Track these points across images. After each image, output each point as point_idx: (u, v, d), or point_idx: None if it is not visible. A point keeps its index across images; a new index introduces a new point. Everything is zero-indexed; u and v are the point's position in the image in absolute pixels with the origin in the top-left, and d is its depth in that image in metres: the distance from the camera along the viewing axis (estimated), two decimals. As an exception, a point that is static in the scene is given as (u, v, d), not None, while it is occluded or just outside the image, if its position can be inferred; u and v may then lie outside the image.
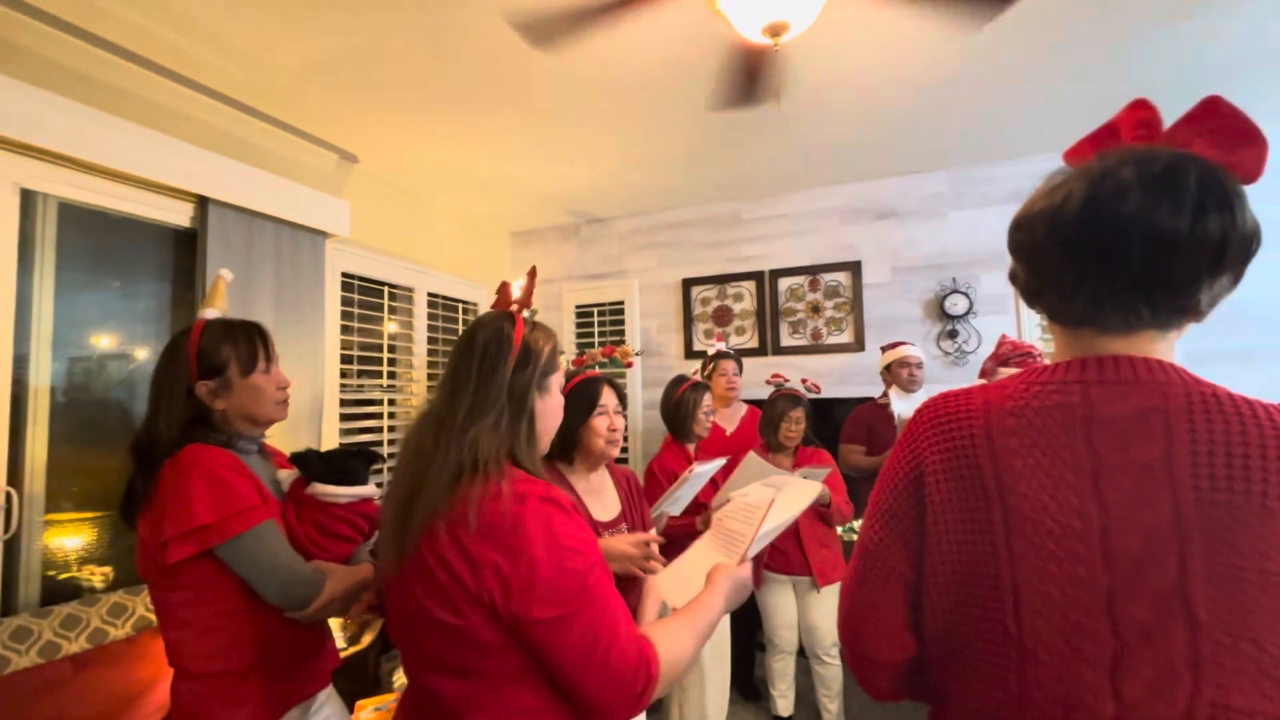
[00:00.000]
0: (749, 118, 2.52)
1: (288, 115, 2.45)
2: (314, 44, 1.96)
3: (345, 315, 2.85)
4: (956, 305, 3.14)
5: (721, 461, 1.98)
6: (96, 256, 2.02)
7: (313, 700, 1.22)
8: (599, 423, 1.44)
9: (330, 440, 2.66)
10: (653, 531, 1.53)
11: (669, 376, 2.53)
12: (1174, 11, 1.92)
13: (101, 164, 1.84)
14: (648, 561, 1.25)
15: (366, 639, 2.14)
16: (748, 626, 2.71)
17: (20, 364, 1.76)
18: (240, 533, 1.04)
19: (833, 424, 2.99)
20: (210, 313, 1.23)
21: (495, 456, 0.81)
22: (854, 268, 3.38)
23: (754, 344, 3.59)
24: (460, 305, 3.70)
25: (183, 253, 2.20)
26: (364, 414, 2.98)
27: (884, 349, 2.88)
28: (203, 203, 2.14)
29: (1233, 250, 0.58)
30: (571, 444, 1.46)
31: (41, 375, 1.83)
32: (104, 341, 2.05)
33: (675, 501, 1.85)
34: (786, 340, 3.54)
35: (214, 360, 1.14)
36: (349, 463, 1.24)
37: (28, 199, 1.78)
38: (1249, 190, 0.60)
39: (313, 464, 1.22)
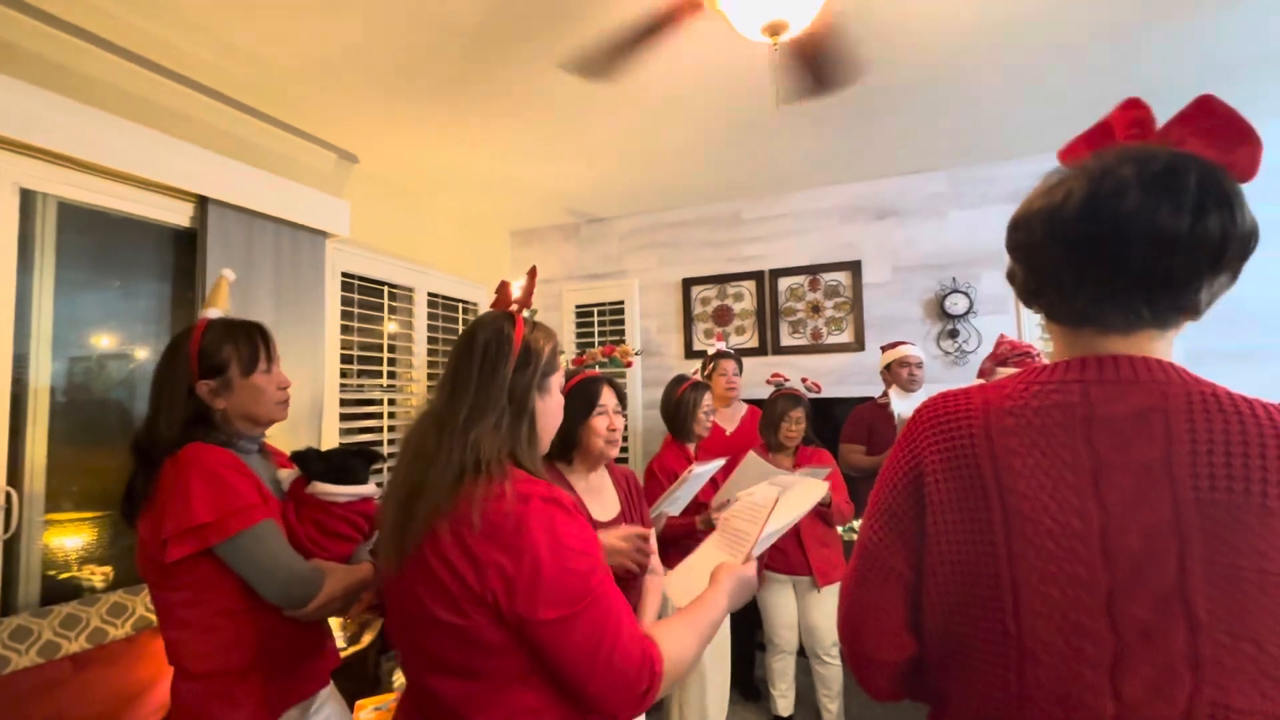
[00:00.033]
0: (748, 118, 2.52)
1: (287, 115, 2.45)
2: (314, 44, 1.96)
3: (345, 315, 2.85)
4: (956, 305, 3.14)
5: (721, 463, 1.98)
6: (96, 256, 2.02)
7: (313, 700, 1.22)
8: (598, 422, 1.44)
9: (330, 440, 2.65)
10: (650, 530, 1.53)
11: (669, 376, 2.53)
12: (1174, 11, 1.92)
13: (101, 164, 1.83)
14: (638, 555, 1.22)
15: (366, 638, 2.14)
16: (748, 626, 2.71)
17: (20, 364, 1.76)
18: (239, 531, 1.04)
19: (833, 424, 2.99)
20: (212, 312, 1.23)
21: (497, 457, 0.81)
22: (854, 267, 3.38)
23: (754, 344, 3.59)
24: (460, 305, 3.70)
25: (183, 252, 2.20)
26: (364, 414, 2.98)
27: (884, 349, 2.88)
28: (203, 202, 2.14)
29: (1232, 249, 0.58)
30: (571, 444, 1.45)
31: (41, 375, 1.83)
32: (104, 341, 2.05)
33: (675, 501, 1.85)
34: (786, 340, 3.54)
35: (215, 360, 1.14)
36: (349, 462, 1.24)
37: (27, 199, 1.78)
38: (1247, 190, 0.60)
39: (313, 463, 1.22)
